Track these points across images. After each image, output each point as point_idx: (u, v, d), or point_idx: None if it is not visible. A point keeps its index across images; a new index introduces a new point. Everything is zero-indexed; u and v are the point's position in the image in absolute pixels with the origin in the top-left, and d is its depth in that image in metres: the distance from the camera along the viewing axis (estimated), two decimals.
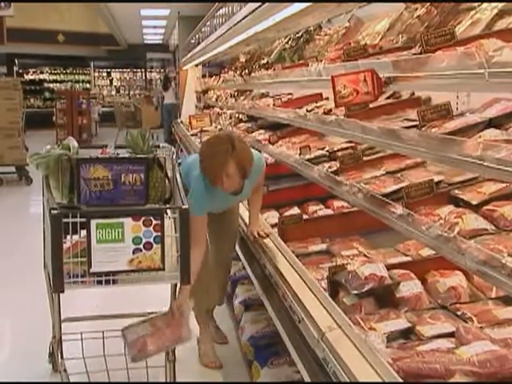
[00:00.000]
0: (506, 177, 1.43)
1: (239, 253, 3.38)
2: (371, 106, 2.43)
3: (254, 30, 4.11)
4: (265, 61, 5.25)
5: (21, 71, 19.71)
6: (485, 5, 2.06)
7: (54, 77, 20.64)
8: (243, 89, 6.56)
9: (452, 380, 1.54)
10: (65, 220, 2.25)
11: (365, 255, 2.62)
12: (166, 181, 2.57)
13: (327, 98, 3.77)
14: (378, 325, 1.92)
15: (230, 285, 3.78)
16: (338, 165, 2.69)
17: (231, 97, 7.04)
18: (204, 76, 10.79)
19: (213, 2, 6.80)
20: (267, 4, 3.21)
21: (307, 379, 1.97)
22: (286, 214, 3.40)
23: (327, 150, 3.10)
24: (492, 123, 1.79)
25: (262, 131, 4.73)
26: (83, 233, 2.28)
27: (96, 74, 22.16)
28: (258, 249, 2.94)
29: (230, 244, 3.34)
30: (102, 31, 18.70)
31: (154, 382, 2.79)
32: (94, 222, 2.26)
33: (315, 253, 2.88)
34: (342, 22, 3.78)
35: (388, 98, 2.99)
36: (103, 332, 2.64)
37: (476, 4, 2.12)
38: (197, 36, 9.18)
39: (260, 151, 3.84)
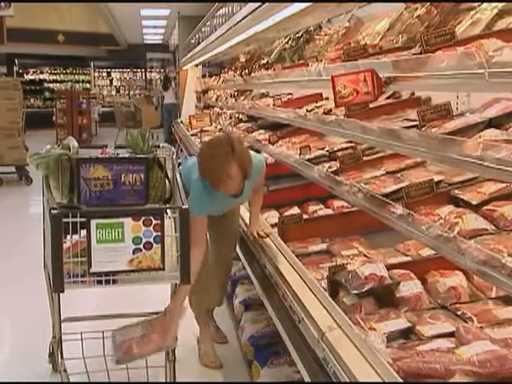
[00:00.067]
0: (506, 177, 1.43)
1: (239, 253, 3.38)
2: (371, 106, 2.43)
3: (254, 30, 4.11)
4: (265, 61, 5.24)
5: (21, 71, 19.71)
6: (485, 5, 2.06)
7: (54, 77, 20.64)
8: (243, 89, 6.55)
9: (452, 380, 1.54)
10: (65, 220, 2.25)
11: (365, 255, 2.62)
12: (166, 181, 2.57)
13: (327, 98, 3.77)
14: (377, 325, 1.92)
15: (230, 285, 3.78)
16: (338, 165, 2.69)
17: (231, 97, 7.04)
18: (204, 76, 10.78)
19: (213, 1, 6.80)
20: (267, 4, 3.21)
21: (307, 379, 1.97)
22: (286, 213, 3.39)
23: (327, 150, 3.10)
24: (492, 123, 1.79)
25: (261, 131, 4.73)
26: (83, 233, 2.28)
27: (96, 74, 22.17)
28: (257, 249, 2.94)
29: (231, 244, 3.34)
30: (102, 31, 18.71)
31: (154, 382, 2.79)
32: (93, 222, 2.26)
33: (315, 253, 2.88)
34: (342, 21, 3.78)
35: (388, 97, 2.99)
36: (103, 332, 2.63)
37: (476, 4, 2.12)
38: (197, 36, 9.18)
39: (260, 151, 3.84)
